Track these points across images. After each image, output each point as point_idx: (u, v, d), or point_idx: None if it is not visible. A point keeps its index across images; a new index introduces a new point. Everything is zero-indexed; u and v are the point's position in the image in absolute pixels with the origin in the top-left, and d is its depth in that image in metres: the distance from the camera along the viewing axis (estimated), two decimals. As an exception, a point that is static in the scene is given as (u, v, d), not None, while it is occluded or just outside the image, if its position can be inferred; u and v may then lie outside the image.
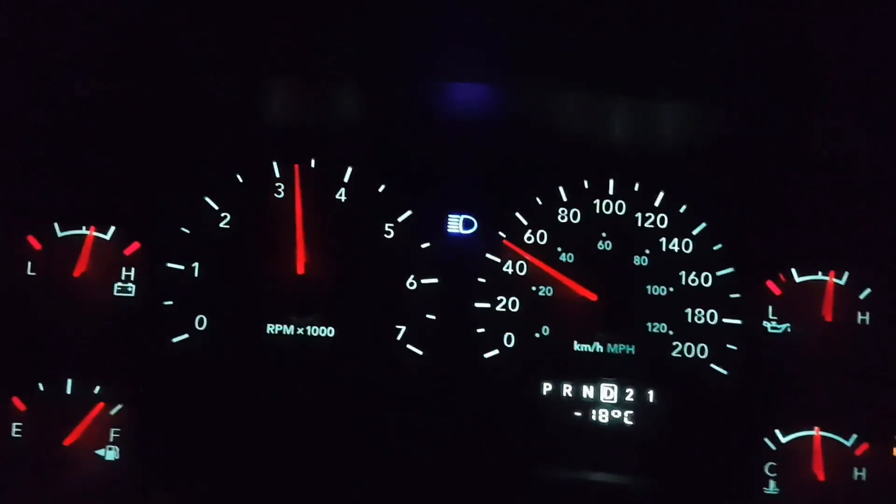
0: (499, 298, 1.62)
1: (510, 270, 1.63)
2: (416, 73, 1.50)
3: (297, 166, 1.61)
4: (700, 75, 1.45)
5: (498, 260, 1.63)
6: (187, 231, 1.59)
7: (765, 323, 1.60)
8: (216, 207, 1.60)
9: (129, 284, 1.58)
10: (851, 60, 1.37)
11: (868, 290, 1.60)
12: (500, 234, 1.63)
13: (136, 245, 1.59)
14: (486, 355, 1.60)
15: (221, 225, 1.59)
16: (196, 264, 1.58)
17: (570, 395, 1.60)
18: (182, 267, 1.58)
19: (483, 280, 1.62)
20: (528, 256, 1.62)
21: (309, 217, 1.59)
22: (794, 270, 1.61)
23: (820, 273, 1.61)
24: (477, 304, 1.62)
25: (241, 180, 1.61)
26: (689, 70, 1.43)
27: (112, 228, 1.59)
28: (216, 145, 1.61)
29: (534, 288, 1.62)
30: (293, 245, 1.58)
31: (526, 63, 1.46)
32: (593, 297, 1.60)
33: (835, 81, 1.43)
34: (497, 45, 1.42)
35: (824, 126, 1.54)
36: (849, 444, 1.58)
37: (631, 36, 1.36)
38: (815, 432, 1.56)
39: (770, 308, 1.60)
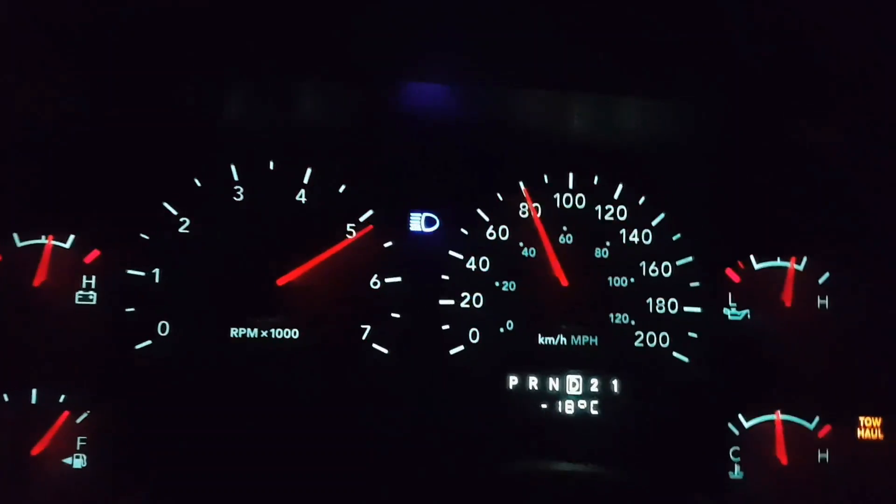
0: (463, 295, 1.63)
1: (473, 267, 1.64)
2: (375, 74, 1.50)
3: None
4: (659, 73, 1.46)
5: (461, 257, 1.64)
6: (147, 237, 1.58)
7: (725, 310, 1.62)
8: (175, 212, 1.59)
9: (91, 292, 1.57)
10: (811, 57, 1.39)
11: (827, 275, 1.63)
12: (463, 230, 1.64)
13: (95, 253, 1.58)
14: (452, 351, 1.61)
15: (181, 230, 1.59)
16: (157, 270, 1.57)
17: (535, 387, 1.61)
18: (143, 273, 1.57)
19: (447, 277, 1.63)
20: (535, 218, 1.62)
21: (271, 219, 1.60)
22: (752, 258, 1.63)
23: (779, 259, 1.63)
24: (441, 302, 1.62)
25: (199, 184, 1.60)
26: (650, 68, 1.44)
27: (71, 237, 1.58)
28: (173, 150, 1.61)
29: (497, 283, 1.63)
30: (259, 248, 1.58)
31: (488, 64, 1.46)
32: (565, 282, 1.61)
33: (793, 78, 1.45)
34: (459, 46, 1.42)
35: (783, 120, 1.57)
36: (811, 426, 1.60)
37: (593, 35, 1.37)
38: (777, 416, 1.59)
39: (729, 295, 1.62)
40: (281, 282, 1.56)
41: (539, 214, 1.64)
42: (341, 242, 1.60)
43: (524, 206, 1.65)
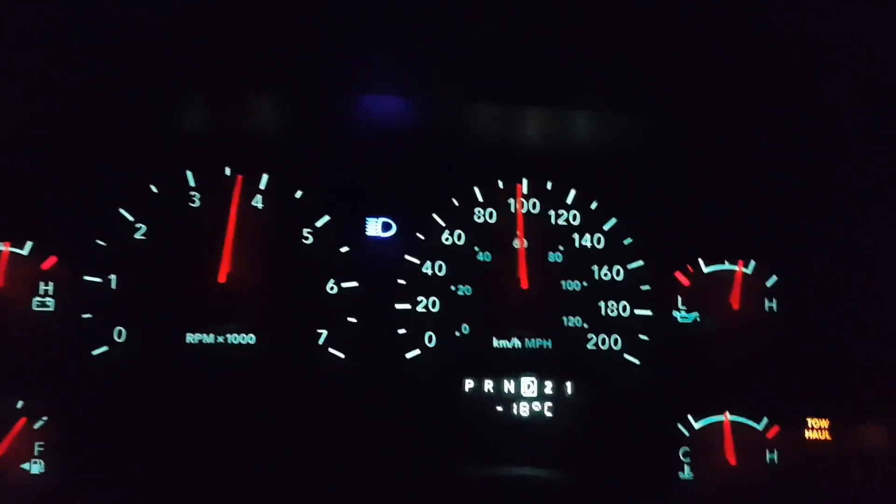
0: (419, 299, 1.65)
1: (429, 271, 1.66)
2: (331, 84, 1.53)
3: (240, 177, 1.62)
4: (607, 85, 1.50)
5: (417, 261, 1.66)
6: (103, 243, 1.59)
7: (674, 313, 1.65)
8: (131, 218, 1.60)
9: (48, 299, 1.58)
10: (755, 66, 1.42)
11: (774, 278, 1.66)
12: (419, 235, 1.67)
13: (53, 259, 1.59)
14: (408, 355, 1.63)
15: (137, 236, 1.60)
16: (113, 276, 1.58)
17: (491, 390, 1.63)
18: (99, 279, 1.58)
19: (403, 282, 1.65)
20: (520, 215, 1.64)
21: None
22: (701, 261, 1.67)
23: (727, 262, 1.67)
24: (397, 306, 1.64)
25: (155, 191, 1.61)
26: (598, 81, 1.49)
27: (28, 243, 1.59)
28: (129, 156, 1.62)
29: (452, 287, 1.65)
30: (213, 254, 1.59)
31: (441, 77, 1.49)
32: (525, 284, 1.63)
33: (734, 86, 1.49)
34: (414, 58, 1.45)
35: (730, 127, 1.60)
36: (760, 427, 1.63)
37: (543, 50, 1.40)
38: (725, 417, 1.62)
39: (679, 298, 1.66)
40: (221, 278, 1.57)
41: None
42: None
43: (479, 211, 1.67)
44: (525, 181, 1.67)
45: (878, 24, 1.29)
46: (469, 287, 1.65)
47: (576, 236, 1.67)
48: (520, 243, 1.63)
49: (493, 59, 1.43)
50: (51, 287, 1.59)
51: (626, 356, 1.64)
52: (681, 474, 1.61)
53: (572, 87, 1.50)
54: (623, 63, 1.43)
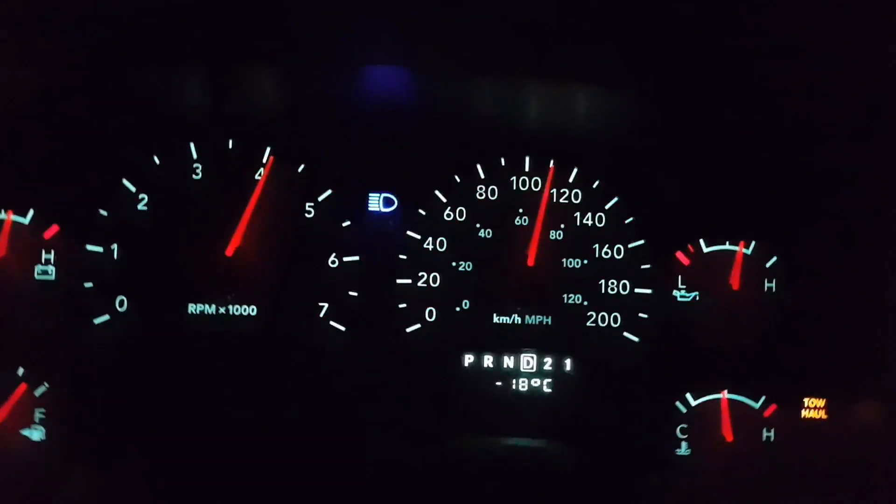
0: (420, 274, 1.66)
1: (431, 247, 1.66)
2: (334, 56, 1.53)
3: (272, 158, 1.63)
4: (610, 60, 1.50)
5: (418, 237, 1.66)
6: (105, 213, 1.59)
7: (674, 292, 1.65)
8: (133, 189, 1.60)
9: (50, 267, 1.59)
10: (750, 45, 1.42)
11: (774, 259, 1.67)
12: (420, 211, 1.67)
13: (54, 228, 1.59)
14: (408, 330, 1.64)
15: (139, 207, 1.60)
16: (115, 246, 1.59)
17: (490, 365, 1.64)
18: (101, 249, 1.59)
19: (404, 257, 1.66)
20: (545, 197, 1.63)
21: (229, 198, 1.61)
22: (701, 241, 1.67)
23: (728, 243, 1.67)
24: (399, 281, 1.65)
25: (157, 162, 1.61)
26: (599, 56, 1.48)
27: (31, 212, 1.59)
28: (132, 127, 1.61)
29: (454, 263, 1.66)
30: (216, 226, 1.59)
31: (442, 49, 1.49)
32: (532, 262, 1.62)
33: (736, 66, 1.49)
34: (415, 29, 1.45)
35: (732, 108, 1.61)
36: (757, 406, 1.64)
37: (544, 22, 1.40)
38: (723, 395, 1.63)
39: (679, 278, 1.66)
40: (229, 252, 1.57)
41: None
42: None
43: (481, 189, 1.67)
44: (528, 159, 1.67)
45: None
46: (470, 263, 1.66)
47: (577, 214, 1.67)
48: (537, 222, 1.63)
49: (495, 31, 1.43)
50: (52, 256, 1.59)
51: (626, 334, 1.64)
52: (678, 451, 1.62)
53: (573, 59, 1.50)
54: (624, 38, 1.42)
